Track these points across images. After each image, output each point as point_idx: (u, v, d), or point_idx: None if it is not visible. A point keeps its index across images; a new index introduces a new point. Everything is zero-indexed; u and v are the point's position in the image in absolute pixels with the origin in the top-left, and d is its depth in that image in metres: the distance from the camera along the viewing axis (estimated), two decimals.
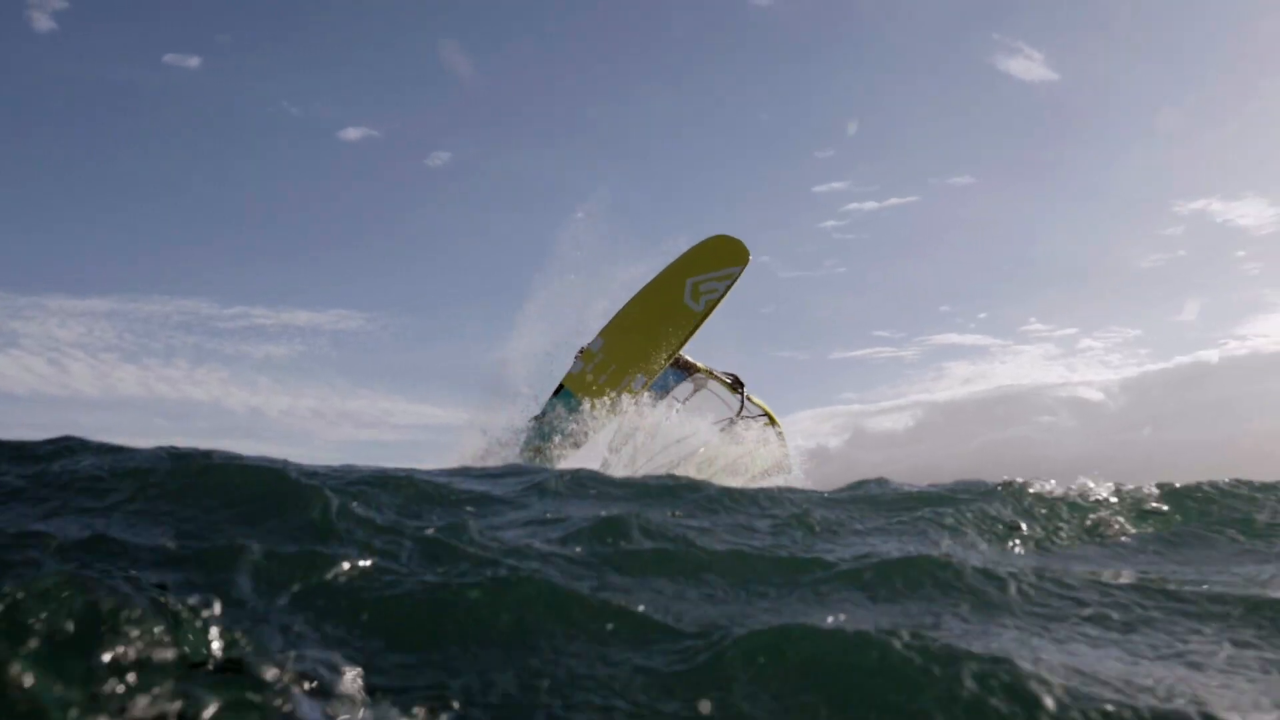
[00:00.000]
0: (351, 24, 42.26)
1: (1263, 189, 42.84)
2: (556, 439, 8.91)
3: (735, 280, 8.88)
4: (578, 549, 3.29)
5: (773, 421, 9.86)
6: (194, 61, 37.70)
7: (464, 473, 5.59)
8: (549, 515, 3.93)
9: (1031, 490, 5.13)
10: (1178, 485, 5.57)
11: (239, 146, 41.72)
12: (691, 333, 8.97)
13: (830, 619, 2.64)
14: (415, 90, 43.49)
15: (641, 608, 2.59)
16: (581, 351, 9.46)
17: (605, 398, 8.85)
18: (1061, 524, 4.63)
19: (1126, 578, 3.39)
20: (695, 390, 9.73)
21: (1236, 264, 45.44)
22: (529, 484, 4.84)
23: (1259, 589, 3.40)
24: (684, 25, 45.55)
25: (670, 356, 9.07)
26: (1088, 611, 3.00)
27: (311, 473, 4.12)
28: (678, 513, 4.29)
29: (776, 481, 10.68)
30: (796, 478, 9.72)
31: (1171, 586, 3.27)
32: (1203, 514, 5.14)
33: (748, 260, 8.92)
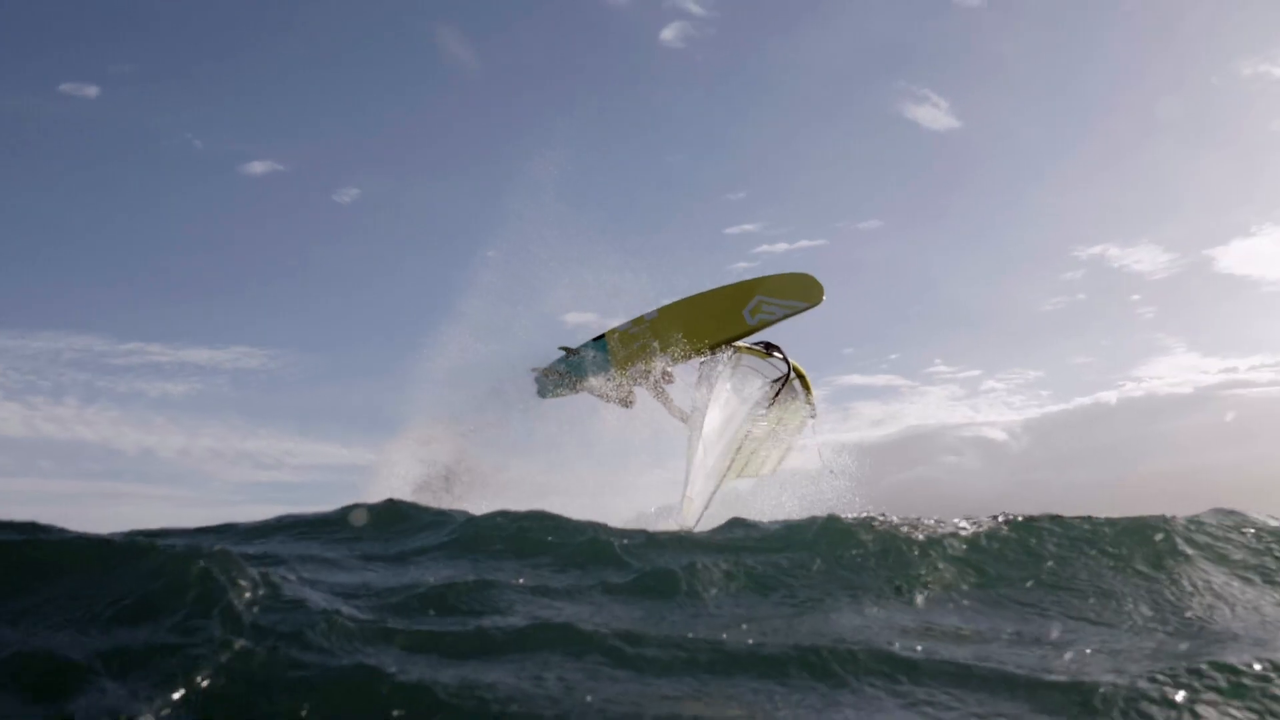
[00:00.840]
0: (260, 55, 41.54)
1: (1156, 236, 45.54)
2: (580, 381, 9.61)
3: (795, 314, 9.41)
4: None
5: (802, 379, 10.11)
6: (92, 90, 36.26)
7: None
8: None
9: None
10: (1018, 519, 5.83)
11: (139, 178, 40.28)
12: (729, 341, 9.48)
13: None
14: (325, 124, 42.79)
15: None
16: (636, 318, 9.91)
17: (631, 364, 9.47)
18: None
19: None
20: (731, 368, 9.95)
21: (1133, 308, 47.86)
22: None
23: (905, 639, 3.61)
24: (596, 64, 46.20)
25: (700, 351, 9.54)
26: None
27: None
28: (521, 580, 4.22)
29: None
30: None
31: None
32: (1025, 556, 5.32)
33: (818, 302, 9.36)
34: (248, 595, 3.20)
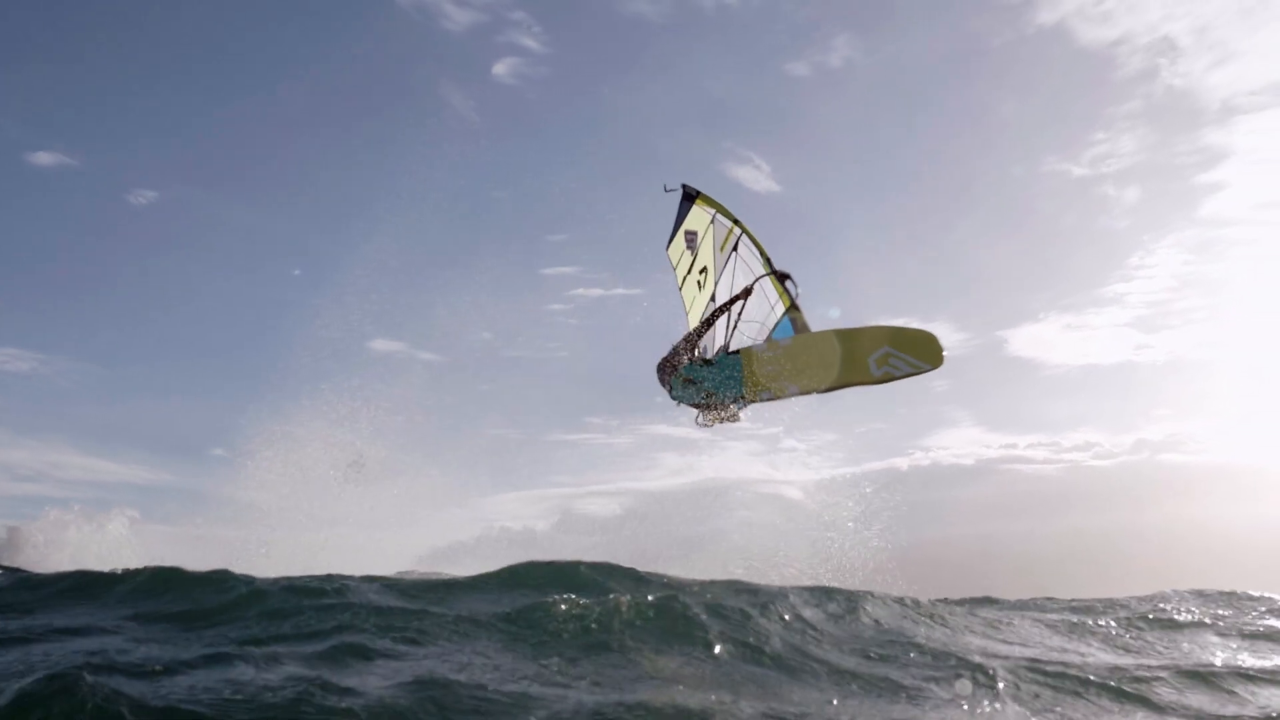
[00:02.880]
0: (56, 38, 38.15)
1: (954, 314, 48.98)
2: (713, 394, 9.63)
3: (917, 373, 9.34)
4: None
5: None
6: None
7: None
8: None
9: None
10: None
11: None
12: (850, 385, 9.44)
13: None
14: (126, 122, 39.72)
15: None
16: (769, 340, 9.91)
17: (761, 386, 9.54)
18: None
19: None
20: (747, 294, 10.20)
21: (927, 380, 50.73)
22: None
23: None
24: (426, 95, 45.48)
25: (825, 389, 9.56)
26: None
27: None
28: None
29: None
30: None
31: None
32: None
33: (939, 365, 9.32)
34: None
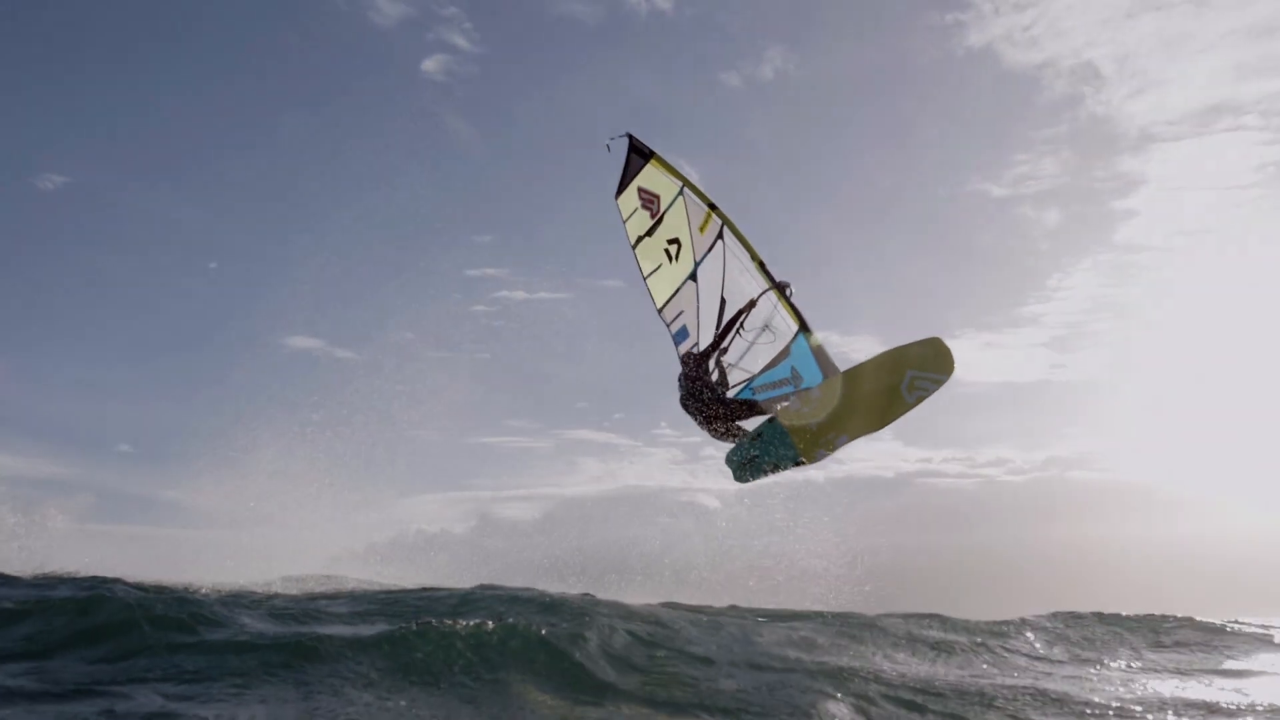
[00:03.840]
0: None
1: (876, 328, 49.61)
2: (765, 465, 9.64)
3: (940, 387, 9.34)
4: None
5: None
6: None
7: None
8: None
9: None
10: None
11: None
12: (894, 420, 9.42)
13: None
14: (33, 103, 37.85)
15: None
16: (801, 393, 9.78)
17: (818, 449, 9.53)
18: None
19: None
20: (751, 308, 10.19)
21: None
22: None
23: None
24: (352, 89, 44.51)
25: (873, 431, 9.56)
26: None
27: None
28: None
29: None
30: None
31: None
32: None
33: (952, 371, 9.29)
34: None
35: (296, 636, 6.27)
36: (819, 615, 10.62)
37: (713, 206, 10.44)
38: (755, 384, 10.38)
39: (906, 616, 10.51)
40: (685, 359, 10.45)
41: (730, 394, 10.29)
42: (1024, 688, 7.53)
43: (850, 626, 9.59)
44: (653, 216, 10.80)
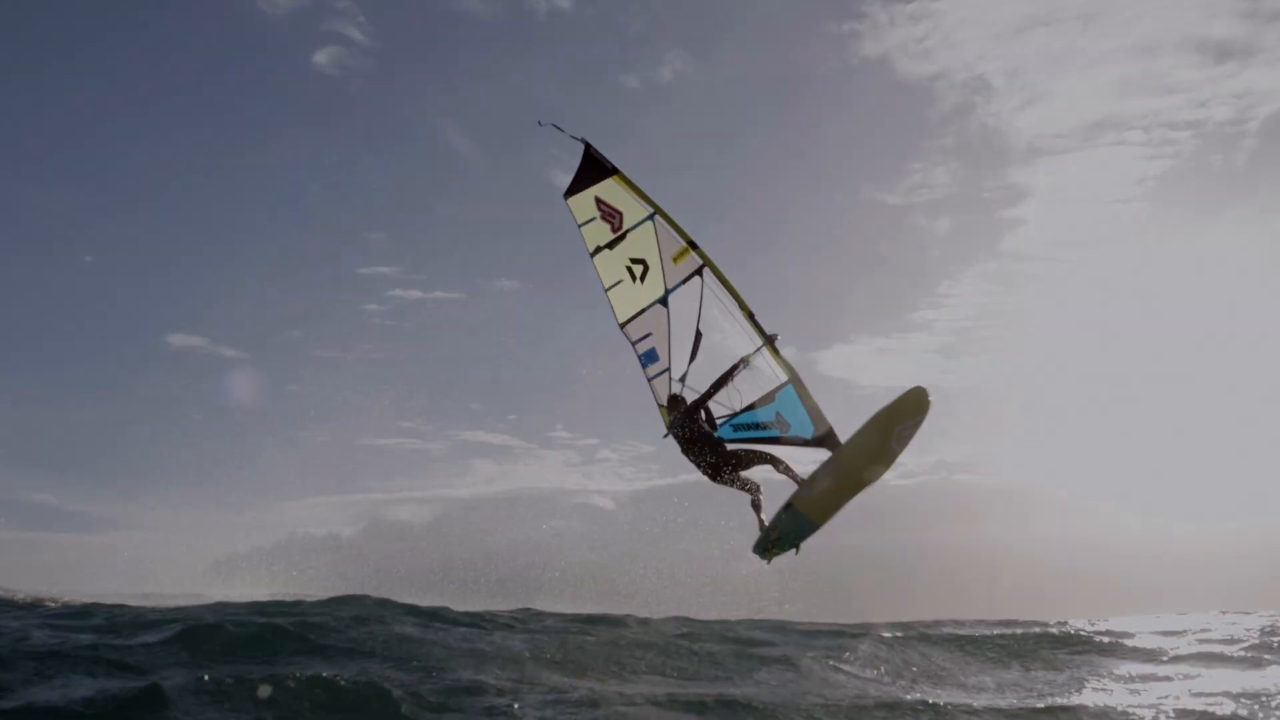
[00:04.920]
0: None
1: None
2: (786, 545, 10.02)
3: (921, 425, 9.69)
4: None
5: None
6: None
7: None
8: None
9: None
10: None
11: None
12: (883, 471, 9.79)
13: None
14: None
15: None
16: (809, 479, 10.00)
17: (827, 515, 9.96)
18: None
19: None
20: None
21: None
22: None
23: None
24: (240, 79, 42.03)
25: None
26: None
27: None
28: None
29: None
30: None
31: None
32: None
33: (928, 409, 9.66)
34: None
35: None
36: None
37: (693, 245, 10.18)
38: (735, 421, 10.21)
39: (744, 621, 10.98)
40: (673, 405, 10.26)
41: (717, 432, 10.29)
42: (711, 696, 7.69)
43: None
44: (614, 231, 10.30)
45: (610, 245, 10.43)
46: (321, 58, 38.93)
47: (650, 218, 10.34)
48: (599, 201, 10.41)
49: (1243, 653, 11.46)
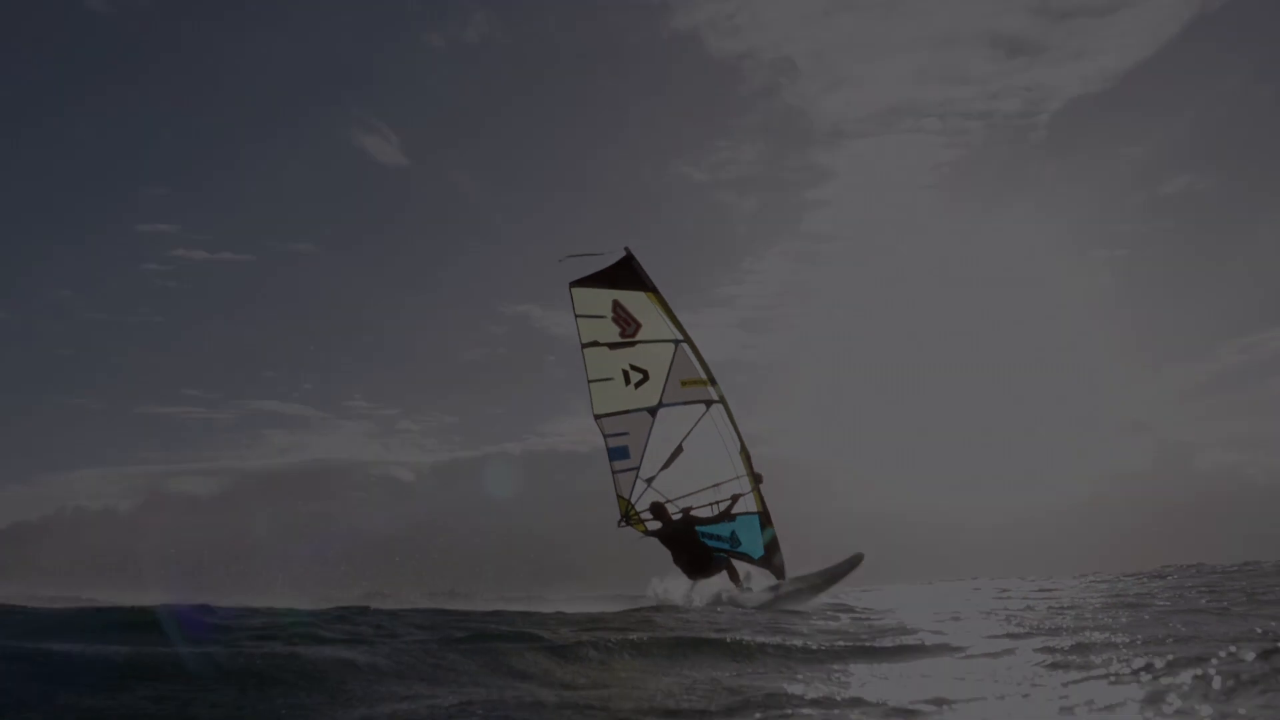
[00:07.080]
0: None
1: (568, 303, 50.33)
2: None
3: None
4: None
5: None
6: None
7: None
8: None
9: None
10: None
11: None
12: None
13: None
14: None
15: None
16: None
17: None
18: None
19: None
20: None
21: (549, 368, 51.29)
22: None
23: None
24: (7, 15, 39.45)
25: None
26: None
27: None
28: None
29: None
30: None
31: None
32: None
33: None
34: None
35: None
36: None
37: (713, 381, 11.17)
38: (699, 528, 11.22)
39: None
40: (657, 513, 11.16)
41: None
42: None
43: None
44: (624, 335, 11.09)
45: (612, 346, 11.26)
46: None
47: (677, 343, 11.29)
48: (617, 305, 11.28)
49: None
